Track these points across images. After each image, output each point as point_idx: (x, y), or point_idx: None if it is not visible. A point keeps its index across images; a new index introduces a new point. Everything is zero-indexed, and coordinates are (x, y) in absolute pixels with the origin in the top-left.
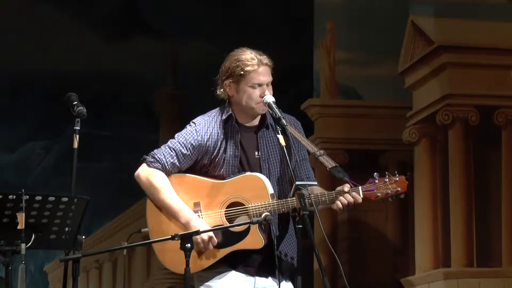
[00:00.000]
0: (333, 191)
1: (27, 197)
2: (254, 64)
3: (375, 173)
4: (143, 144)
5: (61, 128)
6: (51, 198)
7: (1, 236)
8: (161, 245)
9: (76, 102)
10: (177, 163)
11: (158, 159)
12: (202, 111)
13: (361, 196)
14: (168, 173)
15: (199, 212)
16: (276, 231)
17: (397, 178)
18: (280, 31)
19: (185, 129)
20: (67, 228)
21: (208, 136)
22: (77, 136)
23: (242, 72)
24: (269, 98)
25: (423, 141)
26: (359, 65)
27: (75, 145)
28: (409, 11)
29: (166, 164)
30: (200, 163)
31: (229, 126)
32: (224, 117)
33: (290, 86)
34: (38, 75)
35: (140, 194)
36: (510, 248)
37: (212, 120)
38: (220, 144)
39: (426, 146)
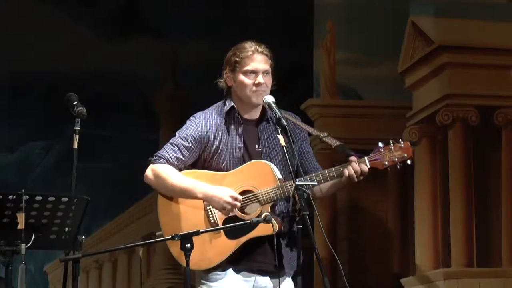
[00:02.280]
0: (340, 165)
1: (27, 197)
2: (249, 51)
3: (380, 142)
4: (143, 144)
5: (61, 128)
6: (51, 198)
7: (1, 236)
8: (176, 242)
9: (76, 102)
10: (181, 157)
11: (161, 156)
12: (202, 111)
13: (368, 165)
14: (174, 168)
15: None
16: (285, 225)
17: (402, 145)
18: (280, 31)
19: (185, 124)
20: (67, 228)
21: (209, 127)
22: (77, 136)
23: (237, 59)
24: (269, 98)
25: (423, 141)
26: (359, 65)
27: (75, 145)
28: (409, 11)
29: (170, 159)
30: (202, 157)
31: (232, 118)
32: (226, 108)
33: (290, 86)
34: (38, 75)
35: (140, 194)
36: (510, 248)
37: (212, 112)
38: (222, 135)
39: (426, 146)
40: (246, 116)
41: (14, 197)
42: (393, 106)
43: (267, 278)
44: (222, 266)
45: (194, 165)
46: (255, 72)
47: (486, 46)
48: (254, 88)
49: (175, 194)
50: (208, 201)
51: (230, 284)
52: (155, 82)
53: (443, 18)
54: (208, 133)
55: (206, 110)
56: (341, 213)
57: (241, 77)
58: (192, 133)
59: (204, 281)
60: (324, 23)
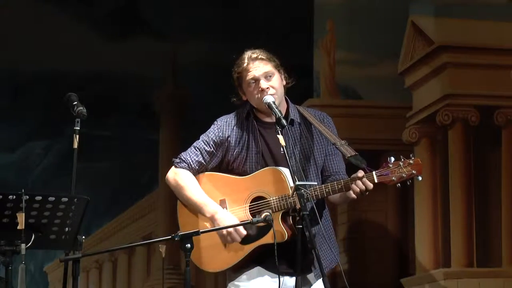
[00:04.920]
0: (348, 178)
1: (27, 197)
2: (244, 63)
3: (390, 157)
4: (143, 144)
5: (61, 128)
6: (51, 198)
7: (1, 236)
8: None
9: (76, 102)
10: (203, 161)
11: (184, 159)
12: (202, 111)
13: (376, 181)
14: (195, 172)
15: (225, 209)
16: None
17: (412, 161)
18: (280, 31)
19: (210, 128)
20: (67, 228)
21: (230, 133)
22: (77, 136)
23: (237, 75)
24: (269, 98)
25: (423, 141)
26: (359, 65)
27: (75, 145)
28: (409, 11)
29: (191, 163)
30: (225, 160)
31: (250, 123)
32: (244, 114)
33: (290, 86)
34: (38, 75)
35: (140, 194)
36: (510, 248)
37: (234, 117)
38: (243, 141)
39: (426, 146)
40: (268, 120)
41: (14, 197)
42: (393, 106)
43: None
44: (250, 267)
45: (218, 167)
46: (255, 80)
47: (486, 46)
48: (259, 95)
49: (189, 205)
50: (213, 223)
51: (258, 285)
52: (155, 82)
53: (443, 18)
54: (229, 138)
55: (229, 115)
56: (341, 213)
57: (248, 89)
58: (214, 138)
59: (232, 282)
60: (324, 23)
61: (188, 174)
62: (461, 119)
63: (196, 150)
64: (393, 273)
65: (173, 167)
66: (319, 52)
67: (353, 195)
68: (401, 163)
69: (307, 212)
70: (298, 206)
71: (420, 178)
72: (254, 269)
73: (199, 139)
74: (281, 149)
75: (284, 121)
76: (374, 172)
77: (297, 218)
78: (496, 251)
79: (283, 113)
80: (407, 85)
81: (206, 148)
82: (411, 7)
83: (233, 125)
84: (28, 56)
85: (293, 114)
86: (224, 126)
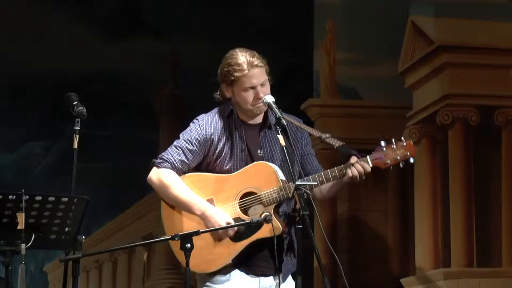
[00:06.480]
0: (342, 165)
1: (27, 197)
2: (244, 68)
3: (382, 141)
4: (143, 144)
5: (61, 128)
6: (51, 198)
7: (1, 236)
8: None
9: (76, 102)
10: (186, 160)
11: (166, 159)
12: (202, 111)
13: (370, 165)
14: (178, 171)
15: None
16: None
17: (404, 143)
18: (280, 31)
19: (188, 127)
20: (67, 228)
21: (212, 131)
22: (77, 136)
23: (232, 78)
24: (269, 98)
25: (423, 141)
26: (359, 65)
27: (75, 145)
28: (409, 11)
29: (174, 162)
30: (206, 160)
31: (232, 122)
32: (226, 113)
33: (290, 86)
34: (38, 75)
35: (140, 194)
36: (510, 248)
37: (215, 116)
38: (226, 139)
39: (426, 146)
40: (249, 121)
41: (14, 197)
42: (393, 106)
43: (271, 278)
44: (226, 269)
45: (197, 168)
46: (254, 87)
47: (486, 46)
48: (254, 102)
49: (176, 204)
50: (204, 220)
51: (235, 286)
52: (155, 82)
53: (443, 18)
54: (212, 136)
55: (209, 113)
56: (341, 213)
57: (241, 93)
58: (197, 136)
59: (208, 284)
60: (324, 23)
61: (173, 173)
62: (461, 119)
63: (178, 149)
64: (393, 273)
65: (154, 167)
66: (319, 52)
67: (349, 176)
68: (393, 146)
69: (308, 212)
70: (294, 199)
71: (412, 160)
72: (229, 269)
73: (179, 138)
74: (259, 151)
75: (284, 121)
76: (368, 157)
77: (297, 218)
78: (496, 251)
79: (262, 118)
80: (407, 85)
81: (189, 147)
82: (411, 7)
83: (215, 123)
84: (28, 56)
85: (272, 119)
86: (206, 125)
